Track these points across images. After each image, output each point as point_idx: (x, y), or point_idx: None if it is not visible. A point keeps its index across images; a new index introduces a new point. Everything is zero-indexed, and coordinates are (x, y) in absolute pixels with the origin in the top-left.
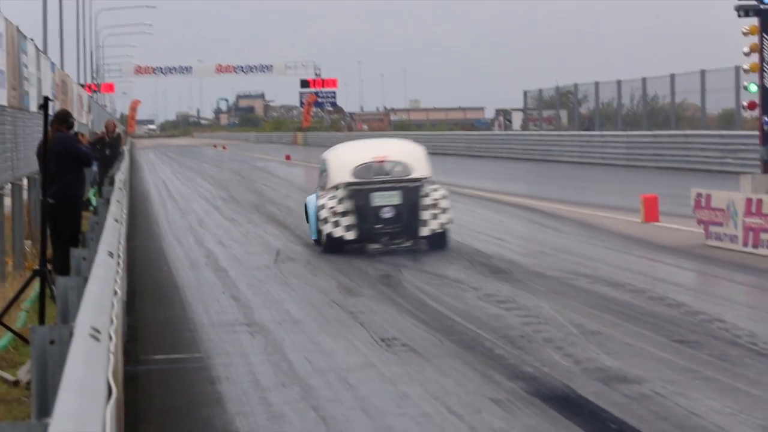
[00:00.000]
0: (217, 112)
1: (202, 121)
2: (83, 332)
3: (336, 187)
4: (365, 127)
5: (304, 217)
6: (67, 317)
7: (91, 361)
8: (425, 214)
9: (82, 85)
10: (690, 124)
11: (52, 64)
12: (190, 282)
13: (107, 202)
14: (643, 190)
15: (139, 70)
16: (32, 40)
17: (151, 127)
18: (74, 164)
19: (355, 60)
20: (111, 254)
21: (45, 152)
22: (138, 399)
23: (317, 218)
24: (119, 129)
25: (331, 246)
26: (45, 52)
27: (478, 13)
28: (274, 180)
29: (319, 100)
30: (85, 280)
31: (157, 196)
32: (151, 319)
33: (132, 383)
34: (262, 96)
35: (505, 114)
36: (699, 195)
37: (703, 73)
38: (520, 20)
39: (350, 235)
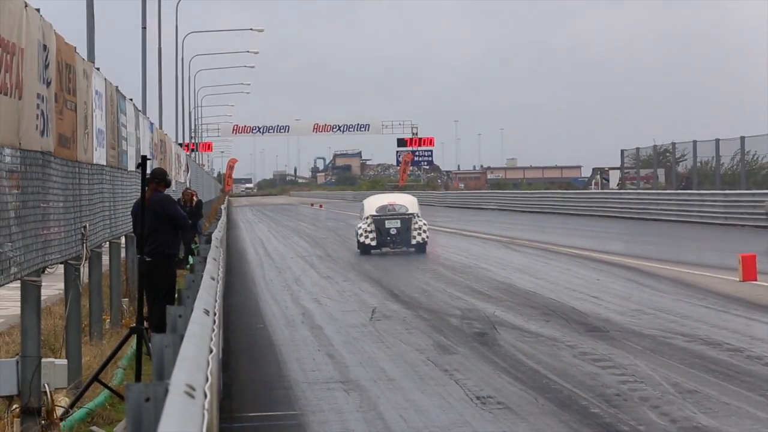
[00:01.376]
0: (315, 170)
1: (299, 180)
2: (178, 389)
3: (367, 218)
4: (462, 185)
5: (355, 237)
6: (163, 374)
7: (185, 418)
8: (414, 233)
9: (181, 145)
10: None
11: (151, 123)
12: (285, 339)
13: (204, 260)
14: (741, 248)
15: (236, 130)
16: (131, 100)
17: (249, 186)
18: (169, 225)
19: (452, 119)
20: (207, 312)
21: (143, 210)
22: None
23: (356, 234)
24: (197, 198)
25: (363, 249)
26: (144, 112)
27: (574, 71)
28: None
29: (416, 158)
30: (181, 337)
31: (254, 254)
32: (247, 377)
33: None
34: (359, 154)
35: (602, 173)
36: None
37: None
38: (617, 79)
39: (373, 243)
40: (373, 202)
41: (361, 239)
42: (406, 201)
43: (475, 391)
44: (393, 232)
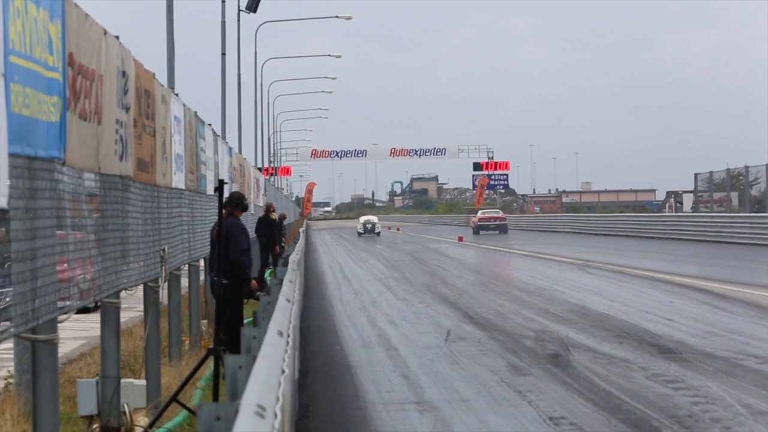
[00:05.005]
0: (392, 194)
1: (377, 203)
2: (248, 409)
3: (361, 224)
4: (537, 209)
5: (356, 233)
6: (236, 395)
7: None
8: (376, 228)
9: (260, 169)
10: None
11: (230, 148)
12: (361, 361)
13: (280, 282)
14: None
15: (315, 154)
16: (210, 125)
17: (327, 209)
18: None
19: (528, 143)
20: (281, 333)
21: (220, 233)
22: None
23: (357, 229)
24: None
25: (359, 235)
26: (224, 136)
27: (648, 96)
28: (446, 261)
29: (492, 182)
30: (254, 358)
31: (332, 277)
32: (323, 397)
33: None
34: (435, 178)
35: (676, 196)
36: None
37: None
38: (691, 103)
39: (362, 232)
40: (364, 218)
41: (358, 231)
42: (375, 218)
43: (548, 412)
44: (369, 228)
